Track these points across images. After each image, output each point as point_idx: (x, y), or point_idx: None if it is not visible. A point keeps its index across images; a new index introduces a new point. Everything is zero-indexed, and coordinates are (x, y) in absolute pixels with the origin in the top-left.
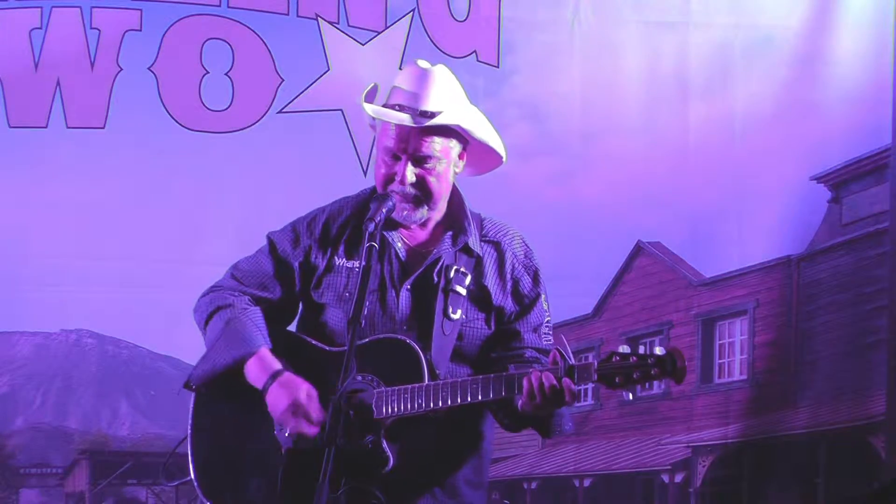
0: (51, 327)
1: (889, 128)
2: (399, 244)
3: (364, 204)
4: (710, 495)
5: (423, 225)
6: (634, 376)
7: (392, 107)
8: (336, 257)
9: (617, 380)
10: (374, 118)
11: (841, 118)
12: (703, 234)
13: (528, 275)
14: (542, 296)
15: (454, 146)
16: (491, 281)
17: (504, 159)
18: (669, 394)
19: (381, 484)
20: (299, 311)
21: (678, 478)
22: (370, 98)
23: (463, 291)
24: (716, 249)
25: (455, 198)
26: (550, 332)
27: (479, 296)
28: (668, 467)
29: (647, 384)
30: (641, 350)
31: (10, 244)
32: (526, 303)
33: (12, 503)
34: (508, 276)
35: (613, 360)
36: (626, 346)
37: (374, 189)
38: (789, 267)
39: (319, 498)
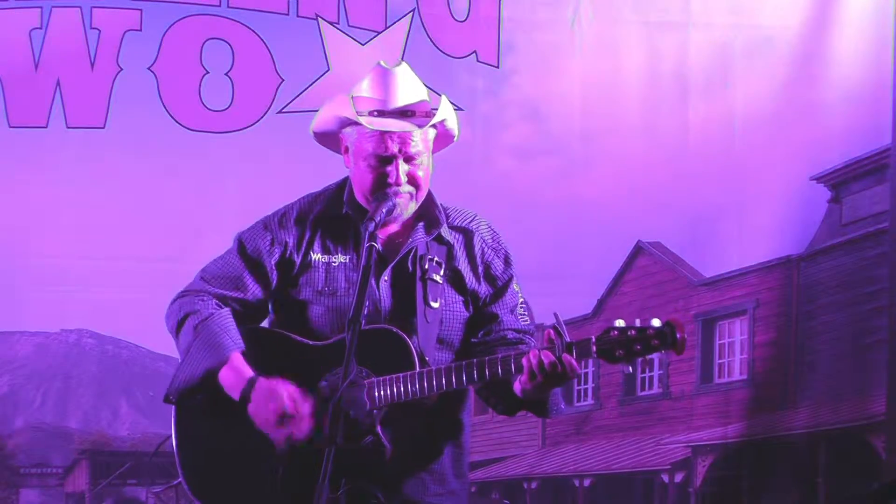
0: (51, 327)
1: (889, 128)
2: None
3: (333, 198)
4: (710, 495)
5: (398, 217)
6: (636, 348)
7: (371, 114)
8: (311, 253)
9: (618, 353)
10: (326, 132)
11: (841, 118)
12: (703, 234)
13: (499, 258)
14: (514, 278)
15: (431, 137)
16: (463, 265)
17: (456, 138)
18: (669, 394)
19: (380, 483)
20: (270, 311)
21: (678, 478)
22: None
23: (439, 280)
24: (716, 249)
25: None
26: (526, 314)
27: (454, 281)
28: (668, 467)
29: (648, 356)
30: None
31: (10, 244)
32: (499, 285)
33: (12, 503)
34: (479, 260)
35: (612, 334)
36: (621, 321)
37: (340, 184)
38: (789, 267)
39: (319, 498)
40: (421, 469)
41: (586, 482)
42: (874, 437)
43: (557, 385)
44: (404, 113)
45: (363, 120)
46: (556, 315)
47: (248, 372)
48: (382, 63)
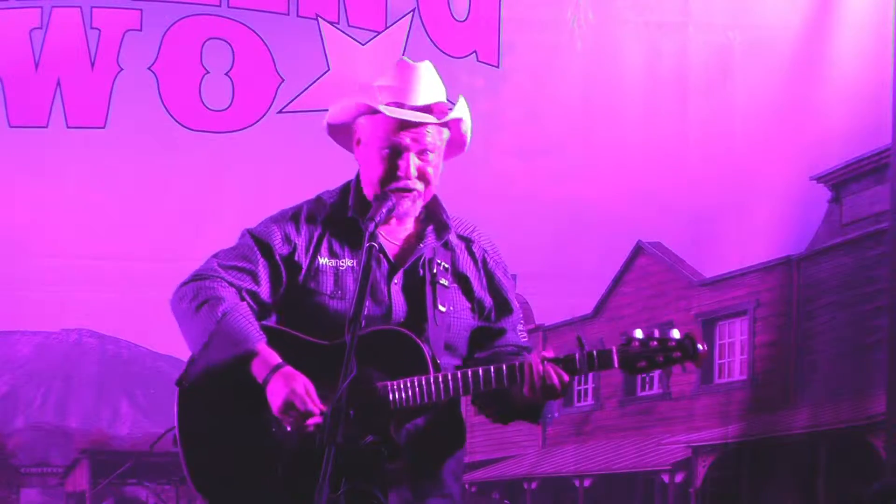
0: (51, 327)
1: (889, 128)
2: (383, 241)
3: (338, 201)
4: (710, 495)
5: (401, 220)
6: (659, 359)
7: (389, 104)
8: (319, 257)
9: (640, 364)
10: (341, 123)
11: (841, 118)
12: (703, 234)
13: (500, 270)
14: (514, 293)
15: (445, 137)
16: (469, 271)
17: (466, 148)
18: (669, 394)
19: (380, 483)
20: (277, 314)
21: (678, 478)
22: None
23: (447, 284)
24: (716, 249)
25: None
26: (524, 329)
27: (461, 286)
28: (668, 467)
29: (669, 368)
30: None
31: (10, 244)
32: (503, 299)
33: (13, 502)
34: (482, 270)
35: (633, 345)
36: (639, 331)
37: (344, 187)
38: (789, 267)
39: (319, 498)
40: (421, 471)
41: (586, 482)
42: (874, 437)
43: (556, 397)
44: (422, 109)
45: (383, 108)
46: (578, 338)
47: (276, 359)
48: (406, 59)
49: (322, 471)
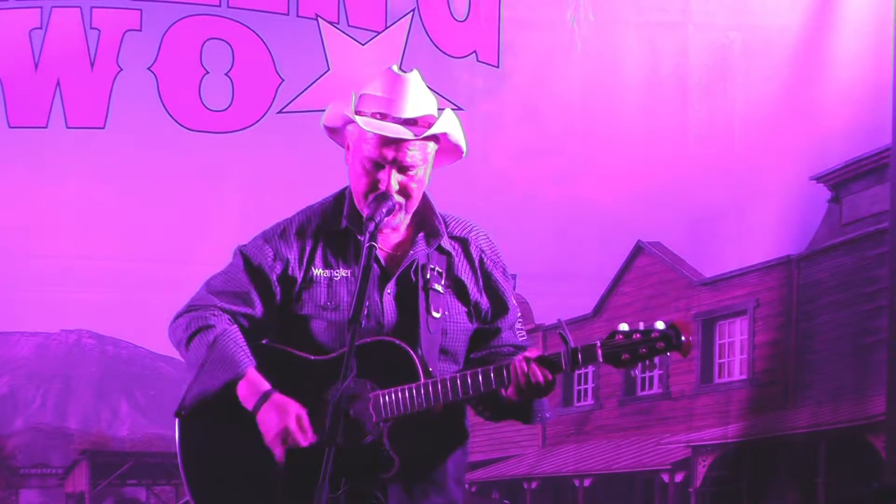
0: (51, 327)
1: (889, 128)
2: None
3: (332, 211)
4: (710, 495)
5: (395, 228)
6: (642, 351)
7: (373, 115)
8: (313, 268)
9: (623, 357)
10: (334, 127)
11: (841, 118)
12: (703, 234)
13: (497, 269)
14: (512, 292)
15: (432, 150)
16: (464, 275)
17: (464, 154)
18: (669, 394)
19: (380, 483)
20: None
21: (678, 478)
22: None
23: (441, 289)
24: (716, 249)
25: (423, 198)
26: (523, 328)
27: (456, 291)
28: (668, 467)
29: (653, 359)
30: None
31: (10, 244)
32: (499, 298)
33: (12, 503)
34: (479, 271)
35: (616, 338)
36: (625, 324)
37: (337, 196)
38: (789, 267)
39: (319, 498)
40: (422, 477)
41: (586, 482)
42: (874, 437)
43: (541, 395)
44: (406, 122)
45: (360, 120)
46: (560, 321)
47: (265, 385)
48: (395, 68)
49: (322, 471)
